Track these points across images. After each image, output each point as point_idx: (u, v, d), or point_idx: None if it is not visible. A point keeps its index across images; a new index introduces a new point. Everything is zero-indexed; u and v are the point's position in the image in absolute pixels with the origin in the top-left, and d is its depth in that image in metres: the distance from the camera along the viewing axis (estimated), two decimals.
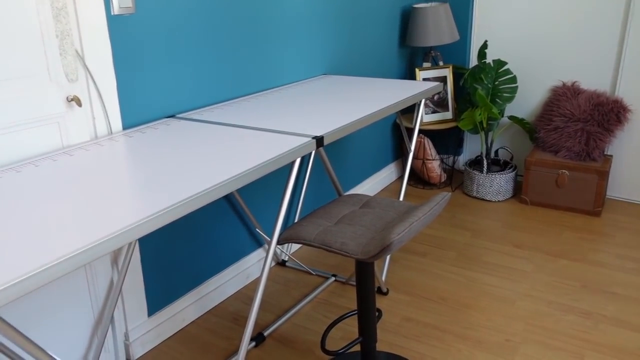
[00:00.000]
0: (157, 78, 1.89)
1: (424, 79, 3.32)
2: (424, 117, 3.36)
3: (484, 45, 3.10)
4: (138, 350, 1.98)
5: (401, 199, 2.33)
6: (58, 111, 1.59)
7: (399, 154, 3.68)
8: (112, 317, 1.86)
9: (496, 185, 3.19)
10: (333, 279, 2.45)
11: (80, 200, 1.20)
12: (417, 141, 3.35)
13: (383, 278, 2.39)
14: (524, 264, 2.54)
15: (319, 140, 1.61)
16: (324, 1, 2.66)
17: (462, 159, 3.70)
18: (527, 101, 3.36)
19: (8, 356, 1.42)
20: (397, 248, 1.37)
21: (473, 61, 3.48)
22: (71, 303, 1.73)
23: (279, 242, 1.57)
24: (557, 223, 2.95)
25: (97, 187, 1.28)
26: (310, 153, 2.48)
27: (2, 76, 1.45)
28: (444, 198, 1.56)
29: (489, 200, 3.25)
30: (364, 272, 1.59)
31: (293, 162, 1.56)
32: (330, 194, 2.98)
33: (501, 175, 3.18)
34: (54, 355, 1.12)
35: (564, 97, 3.13)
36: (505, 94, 3.15)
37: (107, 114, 1.72)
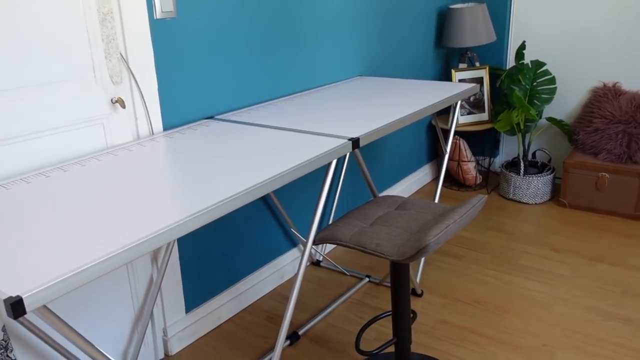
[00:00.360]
0: (196, 80, 1.93)
1: (460, 80, 3.30)
2: (459, 118, 3.33)
3: (522, 46, 3.06)
4: (176, 346, 2.03)
5: (436, 201, 2.32)
6: (103, 112, 1.65)
7: (434, 155, 3.66)
8: (152, 313, 1.91)
9: (533, 187, 3.15)
10: (367, 279, 2.46)
11: (124, 199, 1.24)
12: (452, 143, 3.33)
13: (418, 280, 2.38)
14: (561, 268, 2.50)
15: (355, 142, 1.62)
16: (360, 3, 2.67)
17: (498, 161, 3.65)
18: (566, 102, 3.30)
19: (55, 349, 1.48)
20: (432, 250, 1.37)
21: (510, 62, 3.44)
22: (113, 299, 1.79)
23: (314, 243, 1.59)
24: (596, 227, 2.89)
25: (140, 186, 1.32)
26: (346, 154, 2.49)
27: (52, 78, 1.51)
28: (480, 200, 1.55)
29: (525, 203, 3.20)
30: (399, 274, 1.60)
31: (329, 164, 1.58)
32: (365, 194, 2.99)
33: (539, 178, 3.13)
34: (100, 349, 1.17)
35: (604, 98, 3.06)
36: (543, 95, 3.11)
37: (148, 115, 1.77)
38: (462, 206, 1.51)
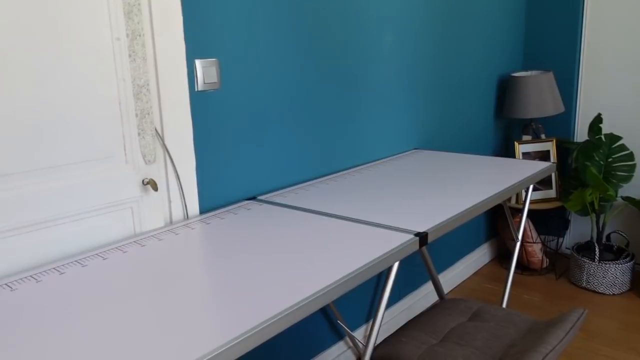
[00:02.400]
0: (238, 157, 1.73)
1: (524, 154, 3.02)
2: (530, 194, 3.03)
3: (598, 119, 2.78)
4: None
5: (505, 297, 2.01)
6: (132, 195, 1.45)
7: (493, 233, 3.34)
8: None
9: (610, 275, 2.78)
10: None
11: (149, 309, 1.01)
12: (515, 222, 3.02)
13: None
14: None
15: (423, 239, 1.36)
16: (415, 72, 2.47)
17: (566, 241, 3.30)
18: None
19: None
20: None
21: (579, 134, 3.15)
22: None
23: None
24: None
25: (165, 290, 1.09)
26: None
27: (76, 158, 1.33)
28: (581, 317, 1.25)
29: (601, 293, 2.83)
30: None
31: (390, 267, 1.32)
32: (422, 275, 2.68)
33: (616, 265, 2.77)
34: None
35: None
36: (620, 173, 2.79)
37: (184, 198, 1.57)
38: (559, 324, 1.22)
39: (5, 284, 1.16)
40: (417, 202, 1.64)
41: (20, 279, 1.18)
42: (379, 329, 1.29)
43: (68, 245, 1.33)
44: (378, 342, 1.70)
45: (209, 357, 0.86)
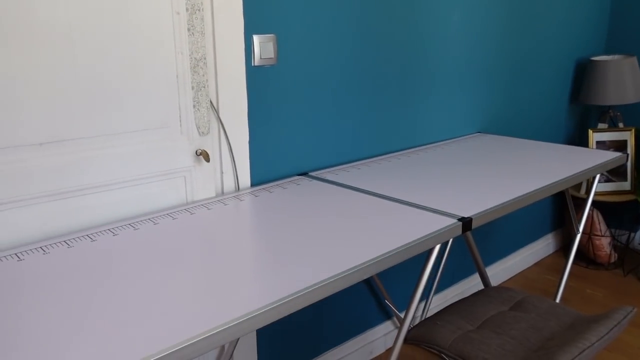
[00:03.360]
0: (292, 132, 1.76)
1: (598, 143, 2.87)
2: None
3: None
4: None
5: (561, 289, 1.94)
6: (186, 165, 1.51)
7: (560, 222, 3.21)
8: None
9: None
10: None
11: (195, 271, 1.06)
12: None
13: None
14: None
15: (466, 224, 1.34)
16: (481, 53, 2.38)
17: (639, 236, 3.12)
18: None
19: None
20: None
21: None
22: None
23: (406, 341, 1.31)
24: None
25: (211, 256, 1.14)
26: None
27: (134, 126, 1.40)
28: (628, 315, 1.19)
29: None
30: None
31: (431, 248, 1.31)
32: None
33: None
34: None
35: None
36: None
37: (235, 170, 1.62)
38: (602, 320, 1.17)
39: (64, 241, 1.25)
40: (469, 186, 1.61)
41: (77, 237, 1.27)
42: (415, 309, 1.29)
43: (122, 210, 1.41)
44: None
45: (248, 317, 0.92)
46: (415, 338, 1.30)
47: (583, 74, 2.96)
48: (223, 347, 1.72)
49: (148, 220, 1.38)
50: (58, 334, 0.88)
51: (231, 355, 1.69)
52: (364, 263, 1.12)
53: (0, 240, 1.24)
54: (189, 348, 0.85)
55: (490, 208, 1.41)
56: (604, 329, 1.13)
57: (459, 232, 1.32)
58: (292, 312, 0.99)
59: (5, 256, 1.17)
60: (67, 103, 1.28)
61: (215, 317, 0.91)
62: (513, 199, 1.48)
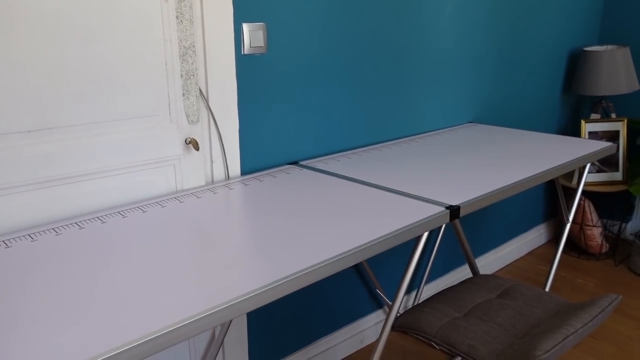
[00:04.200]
0: (282, 122, 1.76)
1: (590, 133, 2.87)
2: (587, 175, 2.89)
3: None
4: None
5: (550, 278, 1.95)
6: (175, 153, 1.51)
7: (552, 213, 3.22)
8: None
9: None
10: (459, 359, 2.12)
11: (181, 259, 1.07)
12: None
13: None
14: None
15: (454, 212, 1.34)
16: (475, 43, 2.38)
17: (631, 228, 3.14)
18: None
19: None
20: None
21: None
22: (168, 357, 1.63)
23: (393, 329, 1.32)
24: None
25: (200, 243, 1.14)
26: None
27: (122, 114, 1.40)
28: (613, 303, 1.20)
29: None
30: None
31: (419, 236, 1.31)
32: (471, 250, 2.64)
33: None
34: None
35: None
36: None
37: (225, 158, 1.62)
38: (587, 308, 1.18)
39: (52, 229, 1.25)
40: (459, 175, 1.62)
41: (65, 225, 1.28)
42: (404, 297, 1.30)
43: (111, 198, 1.41)
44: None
45: (238, 300, 0.93)
46: (403, 325, 1.31)
47: (576, 64, 2.97)
48: (214, 336, 1.73)
49: (137, 209, 1.38)
50: (47, 320, 0.88)
51: (221, 344, 1.69)
52: (352, 249, 1.12)
53: None
54: (181, 329, 0.86)
55: (479, 196, 1.42)
56: (588, 315, 1.15)
57: (447, 219, 1.33)
58: (281, 296, 1.00)
59: None
60: (56, 91, 1.28)
61: (206, 301, 0.92)
62: (500, 188, 1.49)
